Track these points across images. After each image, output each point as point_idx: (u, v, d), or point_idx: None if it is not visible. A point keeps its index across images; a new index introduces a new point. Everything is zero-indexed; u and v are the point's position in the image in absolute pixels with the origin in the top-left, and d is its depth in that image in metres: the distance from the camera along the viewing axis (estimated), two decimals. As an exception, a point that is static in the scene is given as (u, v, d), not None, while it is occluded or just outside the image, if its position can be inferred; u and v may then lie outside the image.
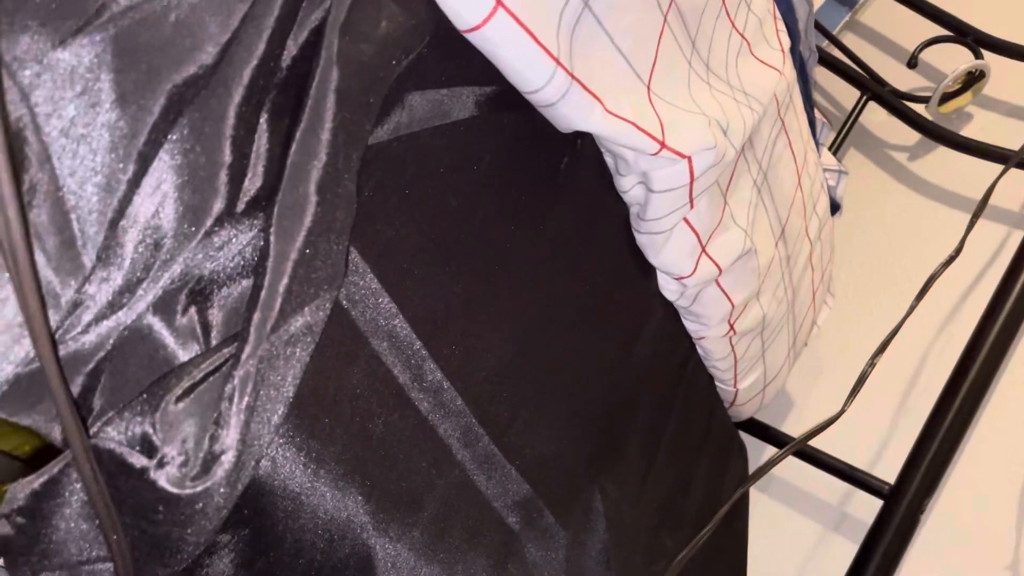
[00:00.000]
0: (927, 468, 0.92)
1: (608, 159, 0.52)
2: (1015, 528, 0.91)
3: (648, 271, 0.62)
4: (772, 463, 0.77)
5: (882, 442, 1.02)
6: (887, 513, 0.91)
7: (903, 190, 1.18)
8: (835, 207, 0.98)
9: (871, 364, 0.83)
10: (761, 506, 1.04)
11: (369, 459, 0.39)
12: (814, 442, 0.99)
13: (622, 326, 0.62)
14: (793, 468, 1.04)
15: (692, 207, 0.55)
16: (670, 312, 0.69)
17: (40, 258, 0.26)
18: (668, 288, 0.64)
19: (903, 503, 0.91)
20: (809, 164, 0.79)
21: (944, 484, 0.97)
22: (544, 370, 0.55)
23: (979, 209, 0.92)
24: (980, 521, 0.94)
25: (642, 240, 0.57)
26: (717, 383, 0.84)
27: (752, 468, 1.04)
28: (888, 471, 0.92)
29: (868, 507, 0.92)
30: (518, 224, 0.48)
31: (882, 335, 0.84)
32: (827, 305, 0.99)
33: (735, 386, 0.83)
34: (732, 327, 0.73)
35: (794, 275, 0.82)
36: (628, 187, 0.53)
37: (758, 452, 1.06)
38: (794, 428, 1.06)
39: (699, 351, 0.77)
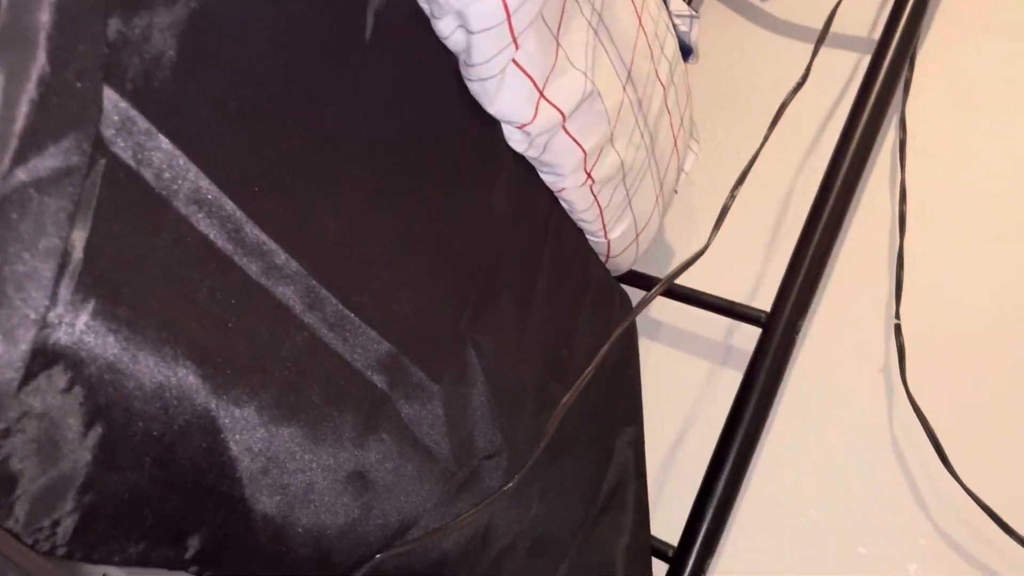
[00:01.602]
0: (798, 293, 0.97)
1: (423, 3, 0.51)
2: (883, 337, 0.98)
3: (489, 123, 0.62)
4: (645, 302, 0.79)
5: (757, 275, 1.07)
6: (765, 339, 0.96)
7: (756, 30, 1.19)
8: (689, 52, 0.99)
9: (732, 197, 0.85)
10: (653, 353, 1.08)
11: (196, 325, 0.38)
12: (695, 284, 1.03)
13: (471, 182, 0.62)
14: (679, 312, 1.08)
15: (518, 47, 0.54)
16: (524, 166, 0.69)
17: None
18: (513, 139, 0.63)
19: (779, 328, 0.96)
20: (650, 5, 0.79)
21: (816, 306, 1.02)
22: (393, 231, 0.54)
23: (822, 35, 0.94)
24: (851, 336, 1.00)
25: (475, 89, 0.57)
26: (588, 236, 0.85)
27: (640, 320, 1.07)
28: (766, 301, 0.97)
29: (751, 337, 0.97)
30: (330, 84, 0.47)
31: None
32: (692, 151, 1.01)
33: (606, 237, 0.85)
34: (590, 175, 0.74)
35: (649, 120, 0.83)
36: (448, 32, 0.52)
37: (645, 303, 1.10)
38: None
39: (563, 205, 0.78)
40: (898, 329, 0.93)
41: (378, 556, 0.54)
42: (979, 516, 0.82)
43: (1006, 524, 0.80)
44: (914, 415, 0.87)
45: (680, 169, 0.98)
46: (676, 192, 1.01)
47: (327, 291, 0.47)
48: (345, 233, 0.49)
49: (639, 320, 1.03)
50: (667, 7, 0.90)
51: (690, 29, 1.00)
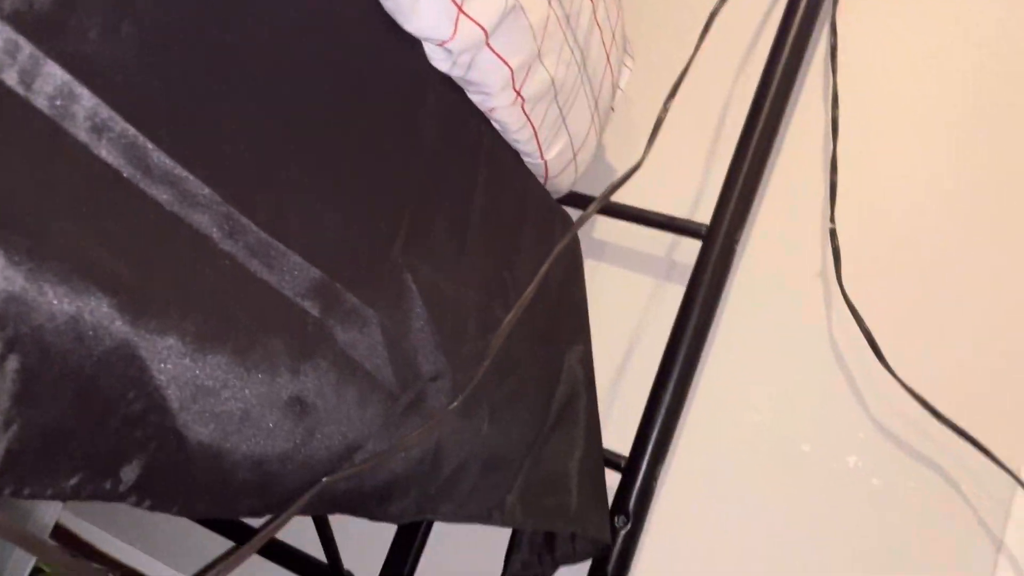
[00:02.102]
0: (736, 203, 0.98)
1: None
2: (820, 241, 1.00)
3: (410, 42, 0.61)
4: (583, 218, 0.80)
5: (697, 188, 1.08)
6: (706, 251, 0.98)
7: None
8: (619, -35, 0.98)
9: (664, 110, 0.86)
10: (599, 273, 1.09)
11: (108, 256, 0.37)
12: (636, 201, 1.04)
13: (396, 104, 0.61)
14: (622, 231, 1.09)
15: (429, -40, 0.53)
16: (451, 87, 0.68)
17: None
18: (436, 58, 0.63)
19: (719, 239, 0.97)
20: (571, -85, 0.77)
21: (755, 216, 1.04)
22: (314, 157, 0.54)
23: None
24: (789, 242, 1.02)
25: (388, 6, 0.56)
26: (524, 158, 0.85)
27: (585, 241, 1.08)
28: (706, 214, 0.98)
29: (693, 251, 0.98)
30: (234, 1, 0.45)
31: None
32: (627, 67, 1.01)
33: (542, 158, 0.85)
34: (519, 94, 0.73)
35: (579, 35, 0.82)
36: (354, -53, 0.50)
37: (587, 225, 1.11)
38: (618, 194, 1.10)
39: (496, 126, 0.77)
40: (833, 233, 0.95)
41: (324, 479, 0.55)
42: (913, 407, 0.85)
43: (938, 412, 0.83)
44: (851, 316, 0.90)
45: (615, 86, 0.97)
46: (613, 110, 1.01)
47: (246, 218, 0.46)
48: (261, 158, 0.48)
49: (584, 242, 1.03)
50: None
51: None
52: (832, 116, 0.99)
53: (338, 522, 1.00)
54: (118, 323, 0.37)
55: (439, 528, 1.03)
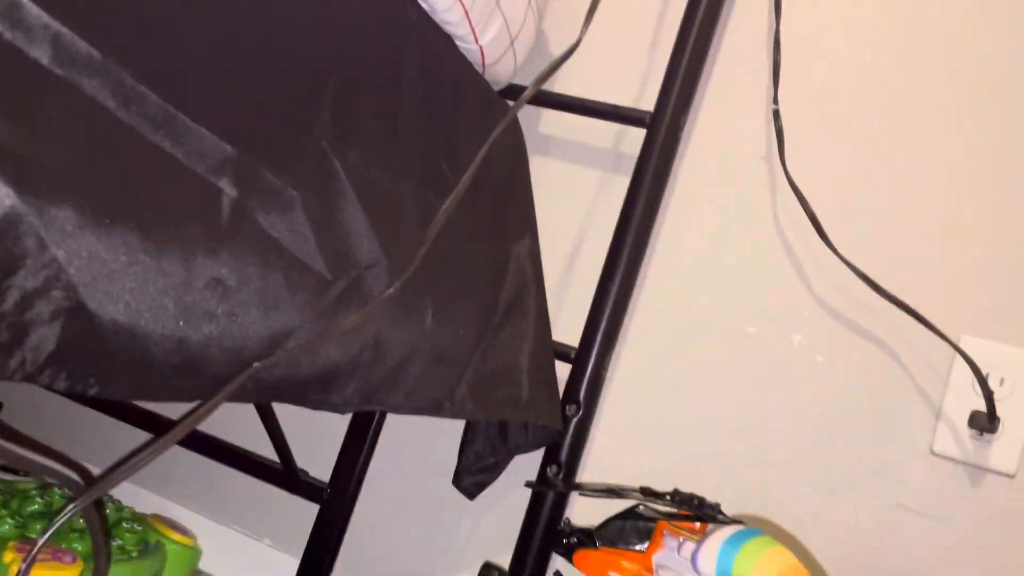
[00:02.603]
0: (679, 89, 0.96)
1: None
2: (764, 123, 0.99)
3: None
4: (522, 100, 0.78)
5: (642, 74, 1.06)
6: (650, 139, 0.96)
7: None
8: None
9: (600, -12, 0.83)
10: (545, 169, 1.07)
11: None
12: (581, 92, 1.02)
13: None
14: (567, 125, 1.07)
15: None
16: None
17: None
18: (349, -74, 0.59)
19: (663, 127, 0.96)
20: None
21: (699, 100, 1.02)
22: (220, 30, 0.51)
23: None
24: (734, 125, 1.01)
25: None
26: (458, 42, 0.82)
27: (530, 137, 1.06)
28: (651, 101, 0.96)
29: (639, 141, 0.97)
30: None
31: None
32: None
33: (477, 42, 0.82)
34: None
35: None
36: None
37: (531, 120, 1.08)
38: (561, 86, 1.08)
39: (424, 6, 0.75)
40: (776, 114, 0.94)
41: (255, 365, 0.54)
42: (855, 284, 0.86)
43: (879, 286, 0.84)
44: (794, 197, 0.90)
45: (552, -31, 0.94)
46: (551, -3, 0.98)
47: (145, 87, 0.44)
48: (157, 25, 0.46)
49: (528, 138, 1.02)
50: None
51: None
52: (775, -5, 0.97)
53: (290, 423, 1.01)
54: (10, 195, 0.36)
55: (392, 423, 1.04)
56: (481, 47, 0.83)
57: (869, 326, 0.90)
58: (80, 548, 0.85)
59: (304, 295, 0.58)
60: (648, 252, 0.99)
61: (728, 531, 0.52)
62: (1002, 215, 0.88)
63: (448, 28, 0.78)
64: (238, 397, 0.57)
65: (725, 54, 1.02)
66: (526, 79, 0.98)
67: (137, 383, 0.47)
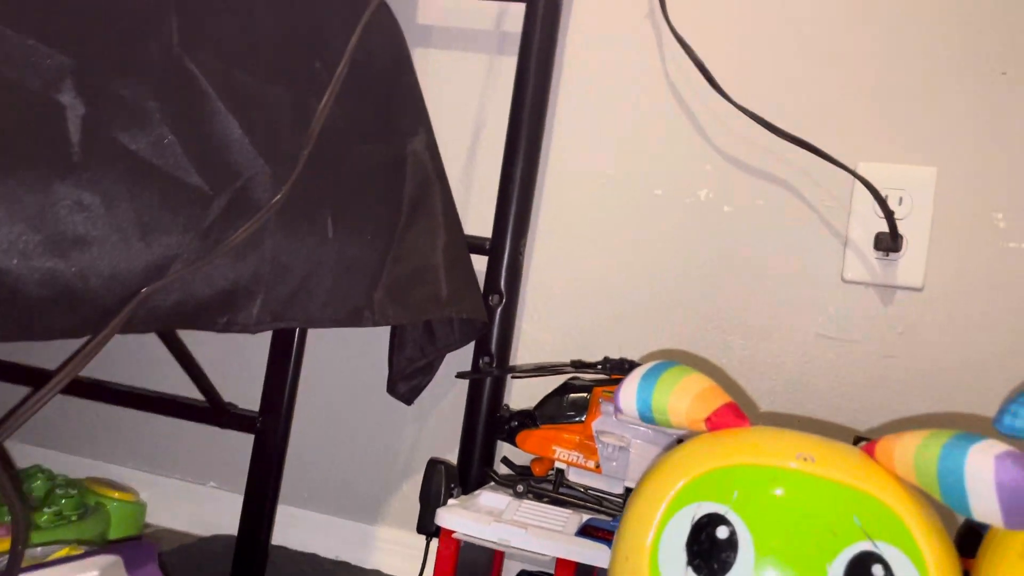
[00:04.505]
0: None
1: None
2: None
3: None
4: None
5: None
6: (530, 12, 0.93)
7: None
8: None
9: None
10: (430, 59, 1.03)
11: None
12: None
13: None
14: (445, 10, 1.03)
15: None
16: None
17: None
18: None
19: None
20: None
21: (577, -32, 0.99)
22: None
23: None
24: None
25: None
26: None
27: (410, 29, 1.02)
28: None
29: (520, 17, 0.94)
30: None
31: None
32: None
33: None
34: None
35: None
36: None
37: (410, 10, 1.04)
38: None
39: None
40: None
41: (143, 290, 0.52)
42: (752, 129, 0.86)
43: (773, 126, 0.85)
44: (681, 49, 0.89)
45: None
46: None
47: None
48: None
49: (409, 30, 0.97)
50: None
51: None
52: None
53: (211, 359, 0.98)
54: None
55: (316, 339, 1.02)
56: (336, -67, 0.78)
57: (771, 168, 0.91)
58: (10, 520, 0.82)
59: (184, 212, 0.55)
60: (547, 129, 0.98)
61: (644, 367, 0.53)
62: (882, 37, 0.89)
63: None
64: (135, 328, 0.54)
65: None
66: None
67: (12, 321, 0.44)
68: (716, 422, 0.48)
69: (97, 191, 0.48)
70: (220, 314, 0.61)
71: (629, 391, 0.50)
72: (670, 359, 0.83)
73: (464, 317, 0.89)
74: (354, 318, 0.77)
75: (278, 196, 0.62)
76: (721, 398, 0.49)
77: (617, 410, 0.51)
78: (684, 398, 0.49)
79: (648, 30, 0.96)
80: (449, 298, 0.88)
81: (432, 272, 0.88)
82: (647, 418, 0.50)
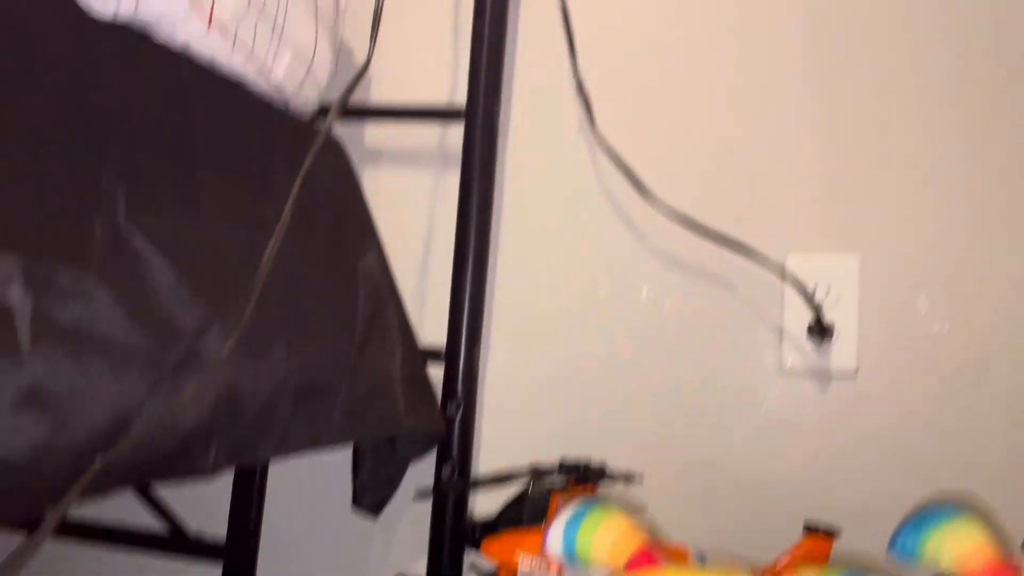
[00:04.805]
0: (486, 76, 0.99)
1: None
2: (573, 95, 1.02)
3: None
4: (324, 132, 0.79)
5: (453, 70, 1.07)
6: (469, 130, 0.98)
7: None
8: None
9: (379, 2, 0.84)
10: (380, 180, 1.08)
11: None
12: (398, 96, 1.03)
13: (62, 58, 0.58)
14: (390, 133, 1.08)
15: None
16: (127, 33, 0.64)
17: None
18: (96, 4, 0.59)
19: (478, 117, 0.98)
20: None
21: (509, 84, 1.05)
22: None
23: None
24: (547, 104, 1.04)
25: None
26: (253, 82, 0.82)
27: (358, 152, 1.07)
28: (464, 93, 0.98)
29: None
30: None
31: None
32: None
33: (270, 78, 0.82)
34: (212, 19, 0.70)
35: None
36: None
37: (357, 134, 1.09)
38: (375, 92, 1.09)
39: (202, 60, 0.74)
40: (580, 85, 0.97)
41: (100, 457, 0.54)
42: (684, 231, 0.91)
43: (701, 227, 0.89)
44: (610, 159, 0.94)
45: (337, -12, 0.94)
46: (344, 8, 0.98)
47: None
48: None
49: (356, 153, 1.03)
50: None
51: None
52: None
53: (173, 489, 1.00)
54: None
55: (278, 466, 1.04)
56: (277, 81, 0.83)
57: (707, 264, 0.95)
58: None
59: (134, 376, 0.58)
60: (493, 239, 1.02)
61: (571, 508, 0.56)
62: (806, 134, 0.95)
63: (237, 73, 0.78)
64: (97, 493, 0.57)
65: (526, 29, 1.05)
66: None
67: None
68: (633, 566, 0.51)
69: (43, 376, 0.51)
70: (177, 465, 0.64)
71: (556, 533, 0.53)
72: (612, 471, 0.86)
73: (422, 431, 0.92)
74: (312, 444, 0.80)
75: (226, 346, 0.65)
76: (637, 541, 0.52)
77: (545, 550, 0.54)
78: (605, 543, 0.52)
79: (580, 139, 1.01)
80: (406, 412, 0.91)
81: (389, 388, 0.91)
82: (574, 563, 0.53)
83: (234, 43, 0.74)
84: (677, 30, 1.00)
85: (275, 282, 0.75)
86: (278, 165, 0.84)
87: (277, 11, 0.80)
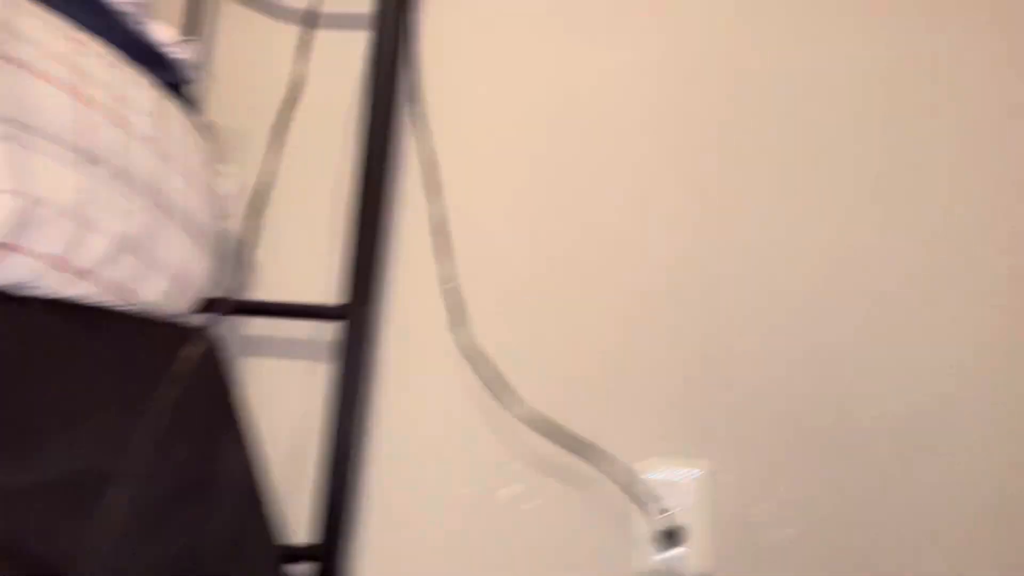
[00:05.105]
0: (358, 278, 1.03)
1: None
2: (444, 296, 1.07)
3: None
4: (189, 357, 0.81)
5: (334, 269, 1.11)
6: (344, 330, 1.02)
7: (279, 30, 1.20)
8: (187, 79, 0.98)
9: (247, 229, 0.88)
10: (263, 369, 1.10)
11: None
12: (278, 294, 1.06)
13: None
14: (272, 321, 1.11)
15: None
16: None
17: None
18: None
19: (353, 317, 1.02)
20: (92, 73, 0.77)
21: (390, 285, 1.10)
22: None
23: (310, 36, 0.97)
24: (421, 305, 1.09)
25: None
26: (130, 309, 0.84)
27: (240, 341, 1.09)
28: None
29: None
30: None
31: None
32: (224, 175, 1.02)
33: (146, 302, 0.85)
34: (77, 269, 0.73)
35: (138, 182, 0.82)
36: None
37: (236, 324, 1.11)
38: (257, 291, 1.12)
39: (71, 300, 0.76)
40: (451, 291, 1.03)
41: None
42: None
43: (555, 434, 0.94)
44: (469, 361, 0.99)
45: (219, 197, 0.99)
46: (228, 217, 1.02)
47: None
48: None
49: (238, 342, 1.05)
50: (137, 57, 0.89)
51: (188, 53, 0.99)
52: (428, 179, 1.06)
53: None
54: None
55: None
56: (154, 302, 0.86)
57: (566, 466, 1.00)
58: None
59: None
60: (367, 433, 1.05)
61: None
62: (660, 345, 1.02)
63: (112, 301, 0.80)
64: None
65: (404, 232, 1.10)
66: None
67: None
68: None
69: None
70: None
71: None
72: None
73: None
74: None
75: None
76: None
77: None
78: None
79: (450, 343, 1.06)
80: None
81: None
82: None
83: (103, 283, 0.77)
84: (547, 228, 1.07)
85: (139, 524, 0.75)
86: (154, 382, 0.86)
87: (149, 241, 0.83)
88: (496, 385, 0.98)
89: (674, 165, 1.06)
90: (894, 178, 1.02)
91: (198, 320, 0.97)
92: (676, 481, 0.96)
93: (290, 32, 1.17)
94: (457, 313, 1.02)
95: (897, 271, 0.99)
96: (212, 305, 1.01)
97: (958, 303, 0.98)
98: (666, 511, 0.92)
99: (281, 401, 1.09)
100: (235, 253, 0.92)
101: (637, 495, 0.95)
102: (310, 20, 0.98)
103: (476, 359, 1.00)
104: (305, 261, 1.11)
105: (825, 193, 1.03)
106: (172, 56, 0.97)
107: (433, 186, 1.07)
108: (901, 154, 1.02)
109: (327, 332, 1.10)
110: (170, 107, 0.91)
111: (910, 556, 0.93)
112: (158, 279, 0.86)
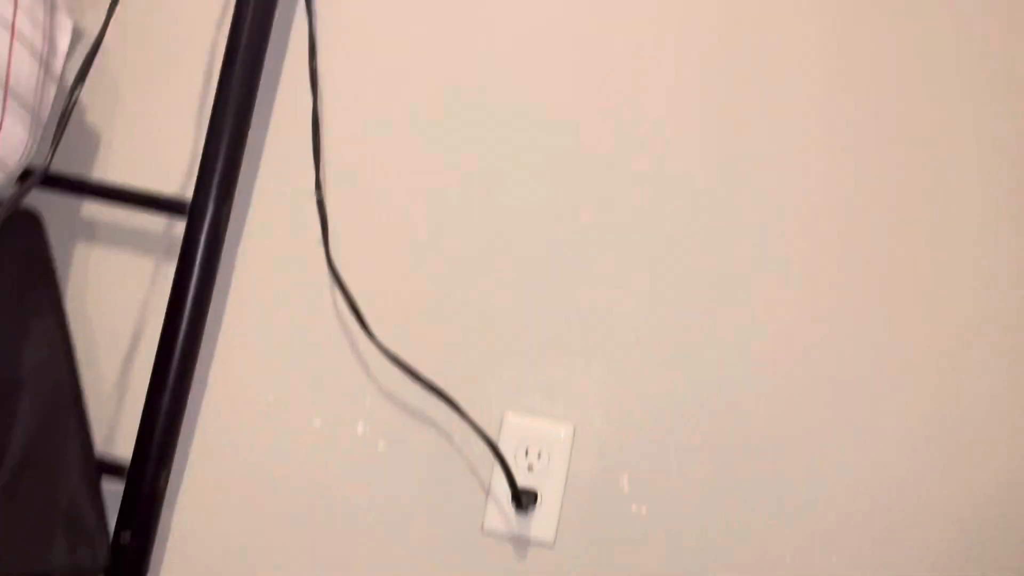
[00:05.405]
0: (221, 175, 0.90)
1: None
2: (314, 211, 0.95)
3: None
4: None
5: (189, 160, 0.98)
6: (191, 228, 0.90)
7: None
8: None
9: (72, 97, 0.74)
10: (93, 256, 0.97)
11: None
12: (125, 178, 0.93)
13: None
14: (114, 209, 0.97)
15: None
16: None
17: None
18: None
19: (205, 216, 0.90)
20: None
21: (250, 187, 0.97)
22: None
23: None
24: (284, 217, 0.96)
25: None
26: None
27: (74, 225, 0.96)
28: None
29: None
30: None
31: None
32: (65, 31, 0.86)
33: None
34: None
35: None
36: None
37: (72, 207, 0.97)
38: (102, 171, 0.98)
39: None
40: (320, 203, 0.91)
41: None
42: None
43: (417, 375, 0.85)
44: (337, 286, 0.88)
45: (46, 57, 0.83)
46: (56, 81, 0.86)
47: None
48: None
49: (70, 224, 0.92)
50: None
51: None
52: (311, 67, 0.93)
53: None
54: None
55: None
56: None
57: (425, 409, 0.91)
58: None
59: None
60: (208, 348, 0.94)
61: None
62: (533, 293, 0.92)
63: None
64: None
65: (273, 137, 0.97)
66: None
67: None
68: None
69: None
70: None
71: None
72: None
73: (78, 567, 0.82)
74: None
75: None
76: None
77: None
78: None
79: (315, 264, 0.94)
80: (64, 545, 0.81)
81: (46, 517, 0.81)
82: None
83: None
84: (428, 166, 0.95)
85: None
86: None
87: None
88: (359, 312, 0.87)
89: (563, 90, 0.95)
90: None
91: (6, 193, 0.82)
92: (539, 439, 0.89)
93: None
94: (321, 230, 0.90)
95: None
96: (24, 177, 0.86)
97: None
98: (512, 471, 0.85)
99: (121, 299, 0.96)
100: (61, 120, 0.78)
101: (497, 449, 0.86)
102: None
103: (336, 285, 0.89)
104: (164, 145, 0.97)
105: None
106: None
107: (312, 76, 0.93)
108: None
109: (177, 227, 0.97)
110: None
111: (762, 549, 0.88)
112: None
